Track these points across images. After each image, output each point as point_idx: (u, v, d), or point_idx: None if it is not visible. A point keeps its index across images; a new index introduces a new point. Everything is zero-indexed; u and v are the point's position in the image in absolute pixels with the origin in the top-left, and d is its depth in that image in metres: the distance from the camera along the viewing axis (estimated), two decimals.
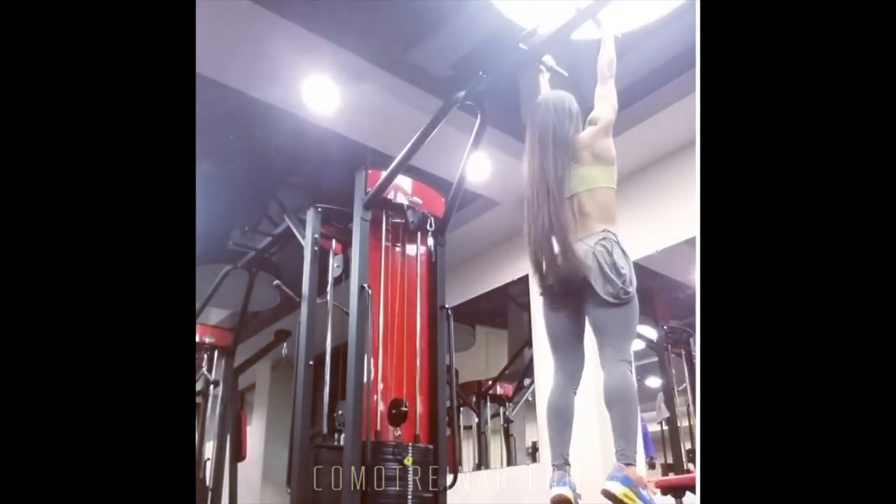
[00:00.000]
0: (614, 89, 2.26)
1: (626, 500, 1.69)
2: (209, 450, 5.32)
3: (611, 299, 1.91)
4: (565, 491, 1.84)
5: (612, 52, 2.29)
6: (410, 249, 3.61)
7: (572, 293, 2.03)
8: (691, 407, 3.99)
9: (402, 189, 3.58)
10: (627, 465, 1.78)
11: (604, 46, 2.30)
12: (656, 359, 4.27)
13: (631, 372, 1.90)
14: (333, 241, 3.79)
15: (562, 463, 1.94)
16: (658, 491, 1.74)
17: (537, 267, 2.08)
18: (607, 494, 1.73)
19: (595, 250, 1.97)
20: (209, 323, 6.05)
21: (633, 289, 1.95)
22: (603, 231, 2.03)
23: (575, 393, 2.06)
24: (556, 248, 2.02)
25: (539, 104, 2.31)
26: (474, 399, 5.66)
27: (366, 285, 3.20)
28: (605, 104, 2.22)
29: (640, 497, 1.71)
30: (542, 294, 2.12)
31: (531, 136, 2.25)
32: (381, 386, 3.17)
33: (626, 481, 1.72)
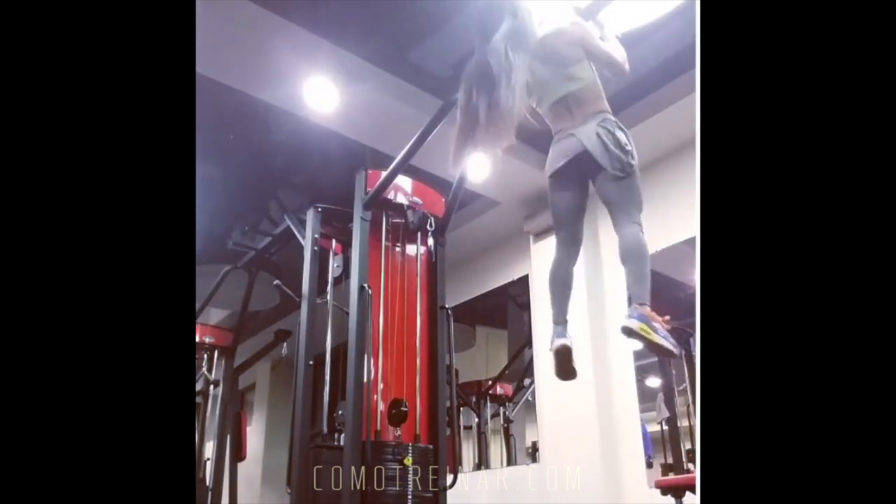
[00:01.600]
0: (623, 50, 2.31)
1: (642, 332, 1.90)
2: (209, 450, 5.32)
3: (618, 173, 2.07)
4: (566, 341, 2.10)
5: (620, 48, 2.32)
6: (410, 249, 3.61)
7: (578, 173, 2.18)
8: (691, 407, 3.99)
9: (402, 189, 3.58)
10: (641, 304, 1.96)
11: (612, 44, 2.32)
12: (656, 359, 4.27)
13: (642, 233, 2.08)
14: (333, 241, 3.79)
15: (561, 320, 2.17)
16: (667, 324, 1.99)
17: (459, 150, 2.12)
18: (626, 330, 1.93)
19: (598, 131, 2.10)
20: (209, 323, 6.05)
21: (635, 161, 2.11)
22: (600, 112, 2.15)
23: (574, 264, 2.26)
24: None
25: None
26: (474, 399, 5.66)
27: (366, 285, 3.20)
28: (617, 48, 2.30)
29: (654, 329, 1.91)
30: (549, 176, 2.24)
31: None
32: (381, 386, 3.17)
33: (642, 318, 1.92)
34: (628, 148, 2.08)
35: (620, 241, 2.08)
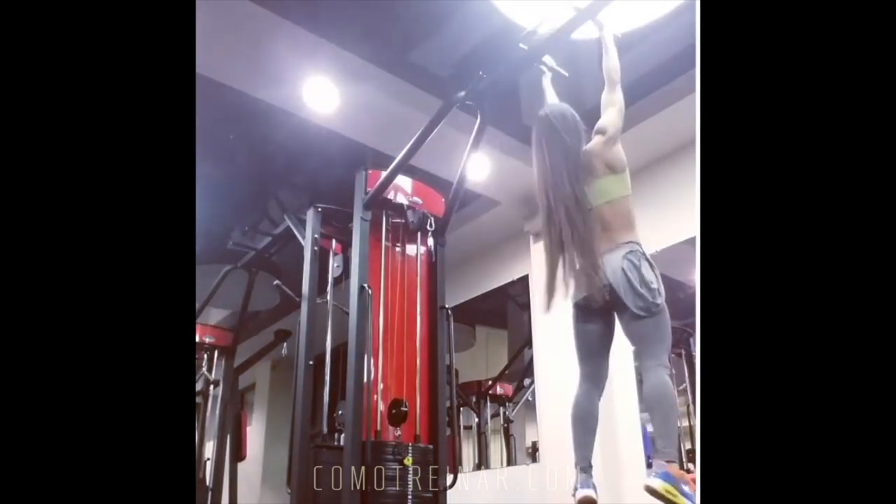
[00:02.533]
0: (621, 95, 2.25)
1: (668, 495, 1.76)
2: (209, 450, 5.31)
3: (642, 313, 1.98)
4: (590, 493, 1.93)
5: (615, 56, 2.28)
6: (410, 249, 3.61)
7: (603, 306, 2.08)
8: (691, 407, 3.99)
9: (402, 189, 3.58)
10: (668, 462, 1.84)
11: (607, 51, 2.29)
12: None
13: (668, 376, 1.96)
14: (333, 241, 3.79)
15: (586, 466, 2.01)
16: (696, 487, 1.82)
17: (552, 281, 2.11)
18: (650, 490, 1.80)
19: (623, 265, 2.02)
20: (209, 323, 6.05)
21: (661, 300, 2.02)
22: (628, 243, 2.07)
23: (599, 399, 2.14)
24: (581, 264, 2.06)
25: (540, 119, 2.31)
26: (474, 399, 5.66)
27: (366, 285, 3.19)
28: (613, 111, 2.22)
29: (682, 492, 1.78)
30: (574, 306, 2.16)
31: (539, 154, 2.25)
32: (381, 386, 3.17)
33: (668, 477, 1.79)
34: (653, 286, 2.00)
35: (645, 384, 1.97)
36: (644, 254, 2.07)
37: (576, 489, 1.96)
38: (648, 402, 1.96)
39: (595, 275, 2.01)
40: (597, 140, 2.22)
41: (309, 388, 3.39)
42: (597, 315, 2.11)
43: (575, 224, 2.06)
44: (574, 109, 2.36)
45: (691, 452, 3.97)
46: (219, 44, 3.18)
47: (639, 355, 2.03)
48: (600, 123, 2.24)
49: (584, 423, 2.08)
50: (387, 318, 3.31)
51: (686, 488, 1.79)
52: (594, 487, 1.96)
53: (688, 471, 3.68)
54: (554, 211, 2.13)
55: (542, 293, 2.12)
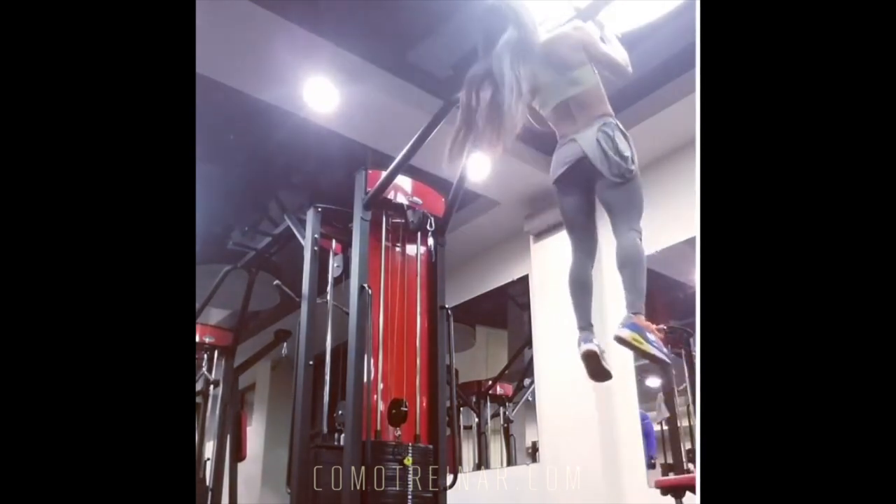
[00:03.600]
0: (625, 56, 2.30)
1: (634, 342, 1.91)
2: (209, 450, 5.32)
3: (616, 179, 2.07)
4: (592, 346, 2.07)
5: (621, 48, 2.32)
6: (410, 249, 3.61)
7: (581, 178, 2.18)
8: (691, 407, 3.99)
9: (402, 189, 3.58)
10: (636, 314, 1.96)
11: (609, 43, 2.32)
12: None
13: (640, 240, 2.08)
14: (333, 241, 3.79)
15: (586, 325, 2.15)
16: (661, 335, 2.01)
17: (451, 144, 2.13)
18: (619, 339, 1.94)
19: (598, 136, 2.10)
20: (209, 323, 6.05)
21: (635, 167, 2.11)
22: (601, 116, 2.15)
23: (592, 266, 2.25)
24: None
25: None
26: (474, 399, 5.66)
27: (366, 285, 3.20)
28: (619, 50, 2.30)
29: (647, 340, 1.92)
30: (553, 182, 2.25)
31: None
32: (381, 386, 3.17)
33: (635, 327, 1.93)
34: (626, 153, 2.08)
35: (618, 247, 2.08)
36: (618, 125, 2.14)
37: (580, 345, 2.11)
38: (621, 263, 2.06)
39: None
40: (576, 25, 2.26)
41: (309, 388, 3.39)
42: (576, 188, 2.21)
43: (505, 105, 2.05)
44: None
45: (691, 452, 3.97)
46: (219, 44, 3.19)
47: (613, 221, 2.13)
48: (602, 33, 2.32)
49: (580, 289, 2.21)
50: (387, 318, 3.31)
51: (651, 336, 1.92)
52: (595, 342, 2.09)
53: (688, 471, 3.69)
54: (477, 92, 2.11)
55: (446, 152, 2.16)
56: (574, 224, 2.26)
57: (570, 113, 2.18)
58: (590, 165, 2.09)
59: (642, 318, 1.96)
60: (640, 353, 1.93)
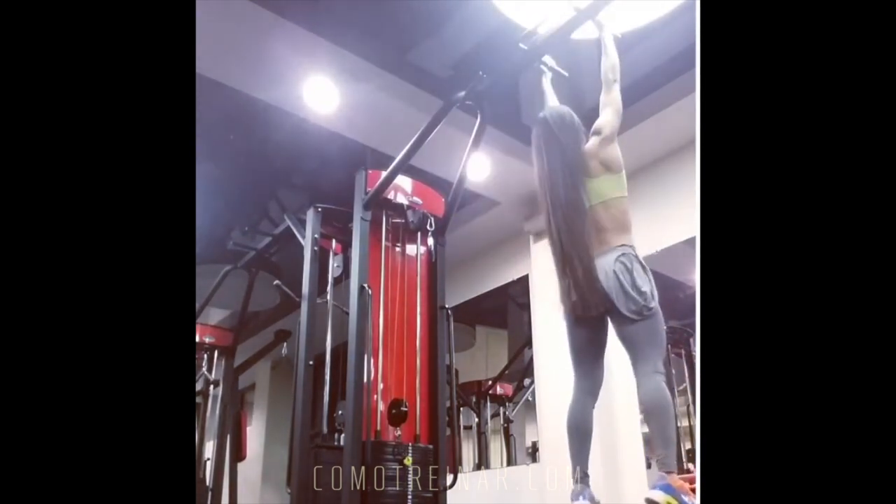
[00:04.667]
0: (619, 95, 2.25)
1: None
2: (209, 450, 5.31)
3: (634, 316, 1.97)
4: None
5: (614, 56, 2.28)
6: (410, 249, 3.61)
7: (596, 310, 2.07)
8: (691, 407, 3.99)
9: (402, 189, 3.58)
10: (668, 472, 1.83)
11: (605, 51, 2.29)
12: None
13: (665, 382, 1.94)
14: (333, 241, 3.79)
15: (582, 476, 2.01)
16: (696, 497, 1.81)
17: (565, 289, 2.11)
18: (650, 503, 1.79)
19: (615, 268, 2.01)
20: (209, 323, 6.05)
21: (654, 303, 2.00)
22: (621, 246, 2.06)
23: (593, 407, 2.12)
24: (578, 268, 2.06)
25: (540, 122, 2.31)
26: (474, 399, 5.66)
27: (366, 285, 3.19)
28: (610, 111, 2.22)
29: (683, 503, 1.77)
30: (567, 312, 2.15)
31: (538, 157, 2.26)
32: (381, 386, 3.17)
33: (669, 489, 1.78)
34: (644, 289, 1.98)
35: (640, 390, 1.96)
36: (637, 257, 2.05)
37: (572, 501, 1.97)
38: (646, 411, 1.95)
39: (591, 282, 2.01)
40: (593, 140, 2.23)
41: (309, 388, 3.39)
42: (589, 319, 2.10)
43: (572, 227, 2.06)
44: (574, 110, 2.36)
45: (691, 452, 3.97)
46: (219, 44, 3.18)
47: (633, 361, 2.01)
48: (597, 123, 2.24)
49: (580, 433, 2.08)
50: (387, 318, 3.31)
51: (686, 499, 1.78)
52: (591, 499, 1.95)
53: (688, 471, 3.69)
54: (552, 216, 2.14)
55: (558, 302, 2.13)
56: (582, 359, 2.14)
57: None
58: (606, 298, 2.00)
59: (675, 477, 1.82)
60: None
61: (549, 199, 2.16)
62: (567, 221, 2.08)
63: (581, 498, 1.93)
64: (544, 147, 2.24)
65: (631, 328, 1.99)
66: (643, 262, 2.06)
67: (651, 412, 1.91)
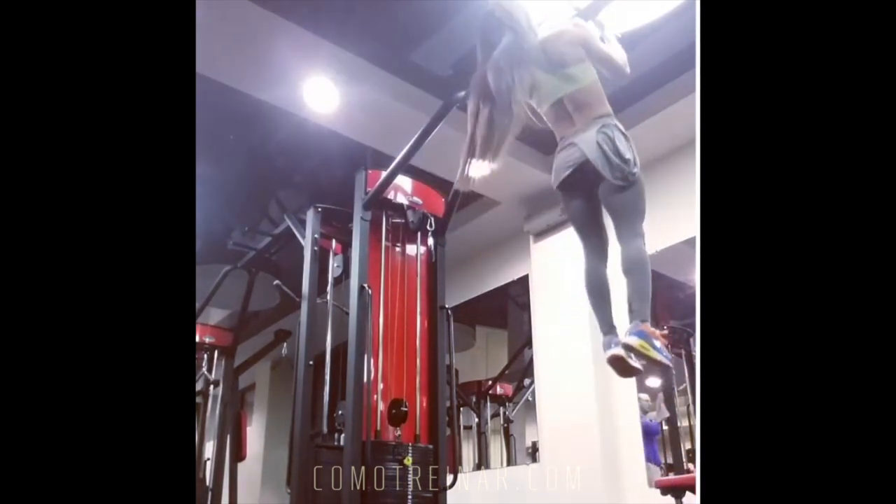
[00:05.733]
0: (626, 64, 2.29)
1: (641, 349, 1.93)
2: (209, 450, 5.32)
3: (620, 182, 2.05)
4: (618, 351, 2.04)
5: (619, 48, 2.31)
6: (410, 249, 3.61)
7: (584, 181, 2.15)
8: (691, 407, 3.99)
9: (402, 189, 3.58)
10: (643, 321, 1.97)
11: (609, 43, 2.31)
12: None
13: (644, 245, 2.08)
14: (333, 241, 3.79)
15: (608, 329, 2.13)
16: (666, 342, 2.03)
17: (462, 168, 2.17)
18: (626, 347, 1.97)
19: (598, 139, 2.07)
20: (209, 323, 6.05)
21: (637, 170, 2.08)
22: (600, 117, 2.12)
23: (606, 266, 2.24)
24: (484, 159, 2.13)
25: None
26: (474, 399, 5.66)
27: (366, 285, 3.20)
28: (618, 50, 2.29)
29: (654, 347, 1.94)
30: (557, 188, 2.24)
31: (482, 53, 2.24)
32: (381, 386, 3.17)
33: (642, 335, 1.94)
34: (627, 156, 2.05)
35: (622, 252, 2.07)
36: (618, 125, 2.11)
37: (605, 349, 2.10)
38: (626, 269, 2.05)
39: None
40: (576, 22, 2.26)
41: (309, 388, 3.39)
42: (580, 191, 2.20)
43: (499, 119, 2.09)
44: None
45: (691, 452, 3.97)
46: (219, 44, 3.18)
47: (617, 226, 2.12)
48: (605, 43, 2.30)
49: (598, 294, 2.20)
50: (387, 318, 3.31)
51: (657, 343, 1.94)
52: (620, 346, 2.06)
53: (688, 471, 3.69)
54: (480, 105, 2.15)
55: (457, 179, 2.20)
56: (583, 227, 2.25)
57: (567, 113, 2.15)
58: (592, 169, 2.07)
59: (649, 325, 1.97)
60: (647, 360, 1.95)
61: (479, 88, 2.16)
62: (493, 115, 2.11)
63: (613, 346, 2.06)
64: (483, 44, 2.23)
65: (616, 195, 2.08)
66: (624, 130, 2.12)
67: (631, 269, 2.04)
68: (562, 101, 2.16)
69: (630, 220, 2.09)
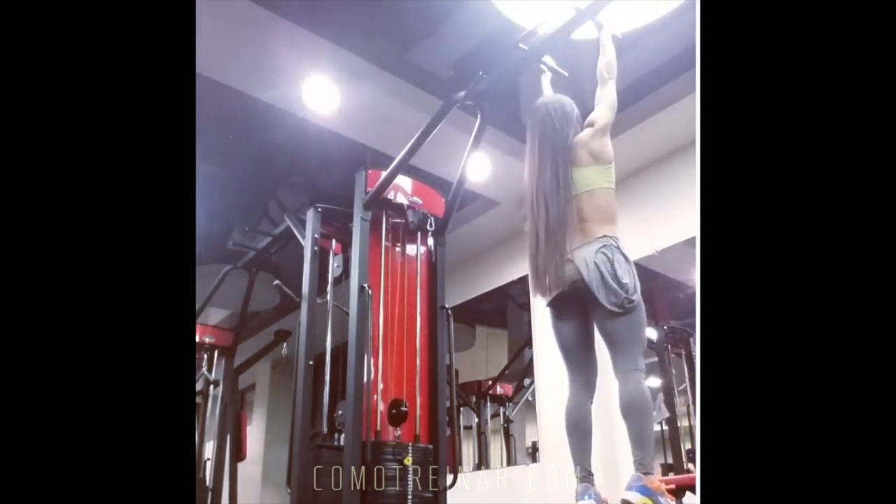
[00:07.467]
0: (614, 91, 2.26)
1: None
2: (209, 450, 5.31)
3: (615, 308, 1.92)
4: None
5: (611, 54, 2.29)
6: (410, 249, 3.61)
7: (577, 302, 2.04)
8: (691, 407, 3.99)
9: (402, 189, 3.58)
10: (646, 474, 1.80)
11: (603, 49, 2.30)
12: (656, 359, 4.27)
13: (644, 380, 1.91)
14: (333, 241, 3.79)
15: (585, 475, 1.97)
16: (674, 499, 1.82)
17: (535, 274, 2.07)
18: (624, 503, 1.76)
19: (596, 259, 1.96)
20: (209, 323, 6.05)
21: (637, 296, 1.95)
22: (603, 237, 2.02)
23: (591, 402, 2.08)
24: (553, 257, 2.03)
25: (538, 108, 2.31)
26: (474, 399, 5.66)
27: (366, 285, 3.19)
28: (605, 105, 2.23)
29: None
30: (547, 305, 2.12)
31: (531, 141, 2.25)
32: (381, 386, 3.17)
33: (645, 490, 1.75)
34: (625, 281, 1.93)
35: (621, 388, 1.93)
36: (619, 248, 2.01)
37: (577, 500, 1.93)
38: (625, 409, 1.89)
39: (562, 267, 1.98)
40: (586, 131, 2.24)
41: (309, 388, 3.39)
42: (572, 313, 2.07)
43: (550, 213, 2.03)
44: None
45: (691, 452, 3.98)
46: (219, 44, 3.18)
47: (613, 356, 1.97)
48: (591, 116, 2.26)
49: (579, 431, 2.04)
50: (387, 318, 3.31)
51: (663, 500, 1.76)
52: (595, 496, 1.90)
53: (688, 471, 3.69)
54: (535, 200, 2.11)
55: (535, 290, 2.10)
56: (571, 354, 2.11)
57: (572, 221, 2.05)
58: (586, 289, 1.95)
59: (652, 478, 1.80)
60: None
61: (535, 185, 2.14)
62: (548, 207, 2.04)
63: (586, 497, 1.89)
64: (538, 132, 2.23)
65: (612, 322, 1.94)
66: (626, 254, 2.02)
67: (630, 412, 1.88)
68: (571, 203, 2.07)
69: (627, 351, 1.94)
